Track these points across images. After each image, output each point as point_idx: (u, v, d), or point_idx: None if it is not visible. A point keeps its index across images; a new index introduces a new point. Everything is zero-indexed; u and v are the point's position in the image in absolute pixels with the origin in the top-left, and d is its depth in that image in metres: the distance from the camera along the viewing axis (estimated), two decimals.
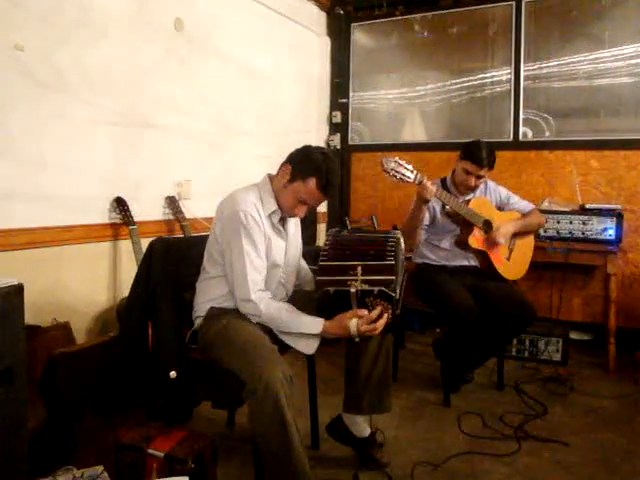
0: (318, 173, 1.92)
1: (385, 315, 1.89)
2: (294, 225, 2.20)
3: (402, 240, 2.11)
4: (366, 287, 1.86)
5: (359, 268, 1.87)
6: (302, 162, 1.96)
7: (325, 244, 2.01)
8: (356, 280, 1.86)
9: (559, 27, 3.96)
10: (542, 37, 4.00)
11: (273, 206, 2.01)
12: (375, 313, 1.87)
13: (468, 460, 2.27)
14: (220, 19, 3.52)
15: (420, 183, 2.56)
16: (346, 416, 2.22)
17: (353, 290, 1.86)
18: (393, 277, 1.89)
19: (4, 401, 1.60)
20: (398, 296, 1.91)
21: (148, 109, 3.04)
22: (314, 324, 1.90)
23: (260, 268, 1.95)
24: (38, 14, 2.43)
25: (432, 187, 2.58)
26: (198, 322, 2.05)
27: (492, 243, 2.84)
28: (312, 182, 1.93)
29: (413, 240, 2.86)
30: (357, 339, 1.91)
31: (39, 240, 2.48)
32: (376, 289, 1.86)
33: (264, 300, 1.92)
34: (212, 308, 2.02)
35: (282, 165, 2.02)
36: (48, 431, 2.05)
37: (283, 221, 2.11)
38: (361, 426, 2.20)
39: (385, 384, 2.17)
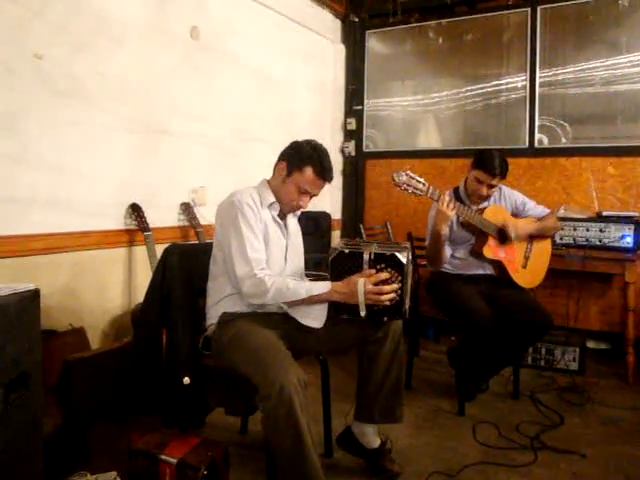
0: (312, 161, 2.01)
1: (394, 285, 1.90)
2: (295, 225, 2.24)
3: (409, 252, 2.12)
4: (380, 251, 1.92)
5: (374, 244, 1.99)
6: (294, 155, 2.04)
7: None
8: (370, 247, 1.95)
9: (575, 33, 3.93)
10: (558, 43, 3.97)
11: (271, 198, 2.07)
12: (383, 275, 1.90)
13: (483, 470, 2.24)
14: (235, 27, 3.55)
15: (438, 199, 2.56)
16: (355, 427, 2.20)
17: (366, 254, 1.91)
18: (406, 246, 2.01)
19: (20, 405, 1.61)
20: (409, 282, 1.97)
21: (164, 116, 3.07)
22: (323, 284, 1.92)
23: (260, 250, 1.96)
24: (57, 24, 2.47)
25: (451, 204, 2.57)
26: (211, 328, 2.05)
27: (507, 244, 2.81)
28: (309, 170, 2.01)
29: (440, 260, 2.85)
30: (363, 312, 1.90)
31: (56, 245, 2.50)
32: (388, 252, 1.91)
33: (268, 275, 1.92)
34: (224, 314, 2.02)
35: (276, 164, 2.10)
36: (63, 436, 2.06)
37: (284, 219, 2.15)
38: (371, 437, 2.19)
39: (397, 393, 2.16)
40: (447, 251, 2.88)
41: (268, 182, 2.13)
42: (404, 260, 1.91)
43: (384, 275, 1.90)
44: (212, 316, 2.07)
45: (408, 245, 2.10)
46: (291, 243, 2.16)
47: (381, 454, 2.18)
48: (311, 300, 1.92)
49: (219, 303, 2.05)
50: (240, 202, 1.97)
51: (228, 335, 1.94)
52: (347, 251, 1.94)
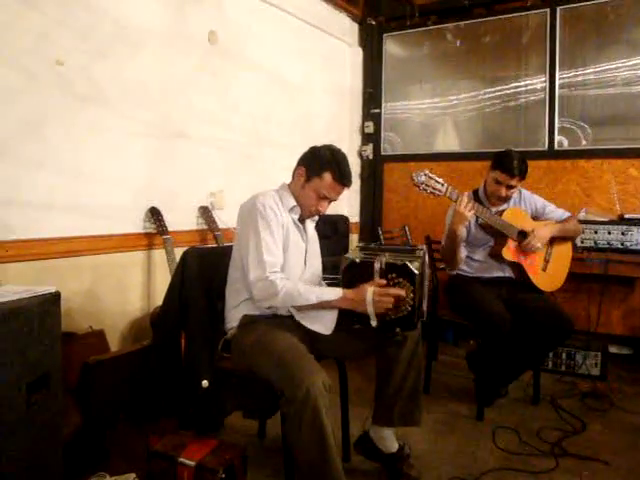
0: (330, 166, 2.01)
1: (403, 292, 1.88)
2: (312, 230, 2.25)
3: (427, 256, 2.12)
4: (390, 260, 1.90)
5: (387, 254, 1.97)
6: (313, 161, 2.05)
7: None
8: (381, 257, 1.93)
9: (595, 33, 3.88)
10: (577, 44, 3.92)
11: (292, 202, 2.07)
12: (392, 290, 1.88)
13: (503, 476, 2.21)
14: (253, 31, 3.57)
15: (457, 200, 2.54)
16: (373, 432, 2.19)
17: (377, 264, 1.90)
18: (420, 255, 1.98)
19: (40, 407, 1.63)
20: (420, 290, 1.94)
21: (182, 121, 3.09)
22: (334, 291, 1.92)
23: (277, 254, 1.96)
24: (78, 31, 2.50)
25: (470, 204, 2.55)
26: (231, 332, 2.05)
27: (528, 248, 2.78)
28: (328, 176, 2.01)
29: (455, 261, 2.84)
30: (374, 322, 1.89)
31: (76, 249, 2.54)
32: (400, 262, 1.90)
33: (280, 278, 1.91)
34: (245, 316, 2.02)
35: (295, 170, 2.11)
36: (82, 437, 2.08)
37: (303, 223, 2.16)
38: (388, 441, 2.17)
39: (416, 397, 2.14)
40: (463, 252, 2.87)
41: (288, 186, 2.13)
42: (416, 270, 1.89)
43: (393, 290, 1.88)
44: (232, 319, 2.07)
45: (424, 250, 2.08)
46: (310, 247, 2.16)
47: (400, 459, 2.16)
48: (321, 306, 1.91)
49: (239, 306, 2.05)
50: (263, 205, 1.98)
51: (250, 338, 1.94)
52: (358, 260, 1.94)
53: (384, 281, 1.89)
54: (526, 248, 2.77)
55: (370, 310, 1.86)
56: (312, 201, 2.06)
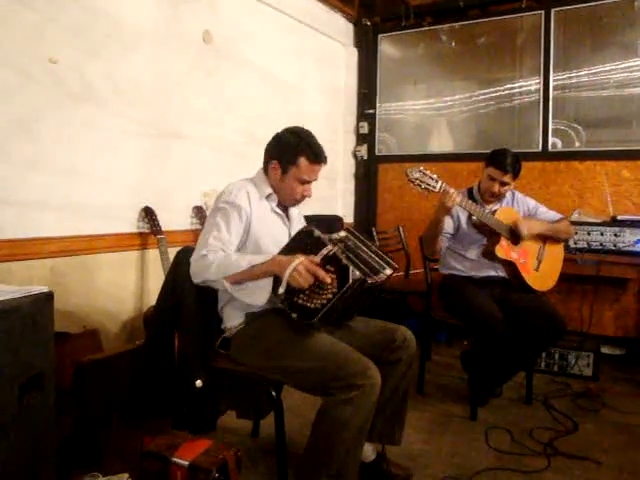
0: (303, 150, 1.98)
1: (328, 280, 1.75)
2: (296, 213, 2.22)
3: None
4: (341, 255, 1.78)
5: (339, 246, 1.83)
6: (283, 150, 2.01)
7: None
8: (339, 246, 1.81)
9: (589, 35, 3.90)
10: (572, 46, 3.95)
11: (268, 190, 2.05)
12: (321, 272, 1.74)
13: (495, 476, 2.22)
14: (248, 31, 3.56)
15: (444, 191, 2.55)
16: None
17: (326, 250, 1.79)
18: (379, 273, 1.83)
19: (33, 407, 1.62)
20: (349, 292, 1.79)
21: (176, 120, 3.08)
22: (266, 255, 1.86)
23: (225, 242, 1.91)
24: (71, 29, 2.49)
25: (457, 197, 2.56)
26: (232, 330, 2.02)
27: (518, 241, 2.80)
28: (303, 160, 1.98)
29: (433, 248, 2.86)
30: (282, 289, 1.77)
31: (69, 248, 2.53)
32: (344, 262, 1.76)
33: (213, 251, 1.88)
34: (249, 314, 1.99)
35: (267, 164, 2.07)
36: (75, 437, 2.08)
37: (285, 209, 2.13)
38: (367, 452, 2.15)
39: (399, 417, 2.14)
40: (444, 242, 2.89)
41: (265, 174, 2.09)
42: (351, 280, 1.75)
43: (319, 272, 1.75)
44: (229, 317, 2.05)
45: (391, 272, 1.91)
46: (294, 229, 2.10)
47: (382, 464, 2.15)
48: (253, 272, 1.82)
49: (230, 303, 2.03)
50: (229, 194, 1.97)
51: (274, 337, 1.91)
52: (315, 234, 1.84)
53: (318, 260, 1.78)
54: (513, 240, 2.80)
55: (286, 275, 1.75)
56: (295, 190, 2.03)
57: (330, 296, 1.77)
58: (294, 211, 2.20)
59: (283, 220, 2.11)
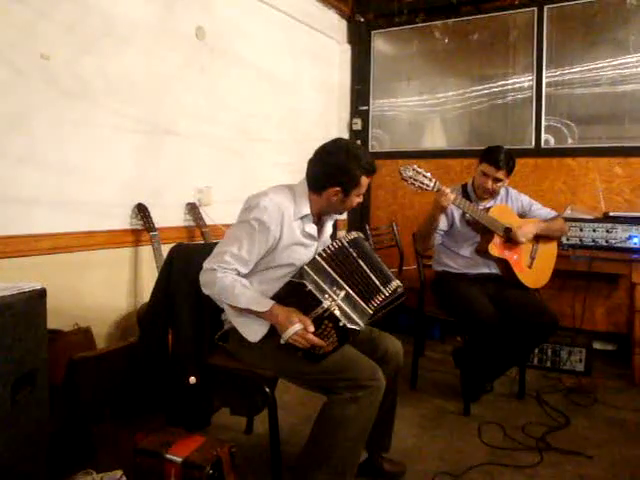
0: (361, 169, 1.91)
1: (324, 344, 1.79)
2: (330, 227, 2.16)
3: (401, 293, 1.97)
4: (337, 313, 1.76)
5: (343, 292, 1.82)
6: (345, 176, 1.90)
7: (338, 242, 1.91)
8: (334, 300, 1.79)
9: (582, 32, 3.91)
10: (564, 43, 3.96)
11: (306, 210, 1.95)
12: (316, 342, 1.77)
13: (488, 471, 2.24)
14: (241, 27, 3.55)
15: (438, 190, 2.56)
16: None
17: (325, 305, 1.76)
18: (362, 327, 1.83)
19: (26, 404, 1.62)
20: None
21: (169, 116, 3.07)
22: (264, 302, 1.82)
23: (242, 262, 1.88)
24: (64, 24, 2.48)
25: (451, 195, 2.58)
26: (230, 325, 2.02)
27: (513, 243, 2.81)
28: (364, 178, 1.94)
29: (426, 244, 2.88)
30: (283, 341, 1.78)
31: (62, 245, 2.52)
32: (342, 323, 1.76)
33: (225, 272, 1.86)
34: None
35: (319, 188, 1.94)
36: (68, 434, 2.07)
37: (320, 223, 2.07)
38: None
39: (386, 425, 2.15)
40: (436, 239, 2.90)
41: (310, 194, 1.97)
42: (351, 337, 1.81)
43: (316, 340, 1.76)
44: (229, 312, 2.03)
45: (397, 292, 1.92)
46: (322, 244, 2.05)
47: (375, 461, 2.17)
48: (250, 312, 1.84)
49: None
50: (264, 210, 1.86)
51: (276, 338, 1.87)
52: (307, 289, 1.77)
53: (312, 328, 1.76)
54: (509, 243, 2.81)
55: (284, 337, 1.77)
56: (355, 203, 2.00)
57: (331, 348, 1.81)
58: (329, 223, 2.13)
59: (312, 239, 2.01)
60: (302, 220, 1.95)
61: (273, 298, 1.86)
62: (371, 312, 1.85)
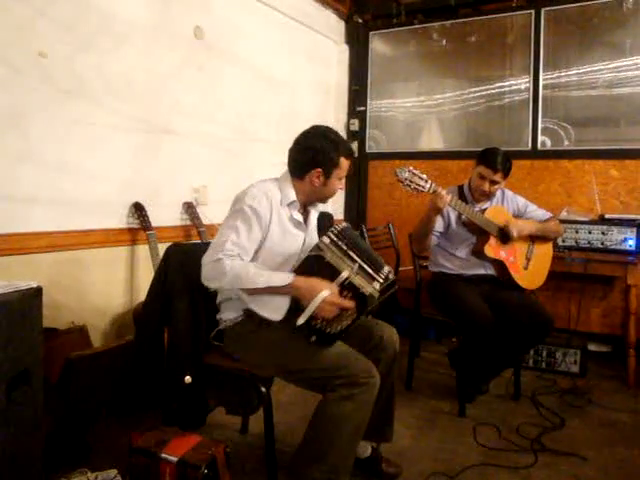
0: (340, 151, 2.00)
1: (349, 311, 1.85)
2: (315, 218, 2.18)
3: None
4: (356, 281, 1.83)
5: (356, 265, 1.86)
6: (324, 157, 1.98)
7: (338, 226, 1.93)
8: (352, 269, 1.84)
9: (579, 35, 3.93)
10: (561, 45, 3.97)
11: (292, 197, 2.01)
12: (347, 304, 1.82)
13: (483, 472, 2.24)
14: (239, 27, 3.55)
15: (434, 192, 2.56)
16: None
17: (345, 274, 1.82)
18: (378, 294, 1.88)
19: (21, 402, 1.62)
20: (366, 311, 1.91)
21: (167, 116, 3.07)
22: (283, 276, 1.82)
23: (243, 249, 1.88)
24: (61, 22, 2.47)
25: (447, 196, 2.58)
26: (227, 323, 2.02)
27: (509, 244, 2.82)
28: (343, 160, 2.01)
29: (423, 245, 2.89)
30: (302, 320, 1.79)
31: (58, 244, 2.51)
32: (362, 290, 1.84)
33: (231, 257, 1.85)
34: (247, 310, 1.97)
35: (301, 173, 2.01)
36: (63, 433, 2.07)
37: (306, 213, 2.11)
38: (361, 448, 2.17)
39: (387, 415, 2.15)
40: (433, 240, 2.89)
41: (293, 180, 2.04)
42: (369, 305, 1.87)
43: (347, 304, 1.82)
44: (228, 310, 2.04)
45: (393, 279, 1.96)
46: (308, 236, 2.09)
47: (375, 460, 2.18)
48: (270, 290, 1.83)
49: (231, 298, 2.01)
50: (253, 199, 1.92)
51: (274, 335, 1.90)
52: (327, 259, 1.82)
53: (337, 291, 1.82)
54: (503, 240, 2.82)
55: (311, 308, 1.78)
56: (336, 188, 2.06)
57: (349, 322, 1.87)
58: (314, 217, 2.16)
59: (300, 227, 2.06)
60: (289, 207, 2.01)
61: (294, 271, 1.87)
62: (382, 281, 1.89)
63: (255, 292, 1.86)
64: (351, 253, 1.87)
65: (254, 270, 1.83)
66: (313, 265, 1.84)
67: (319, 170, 1.99)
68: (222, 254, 1.83)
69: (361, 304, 1.86)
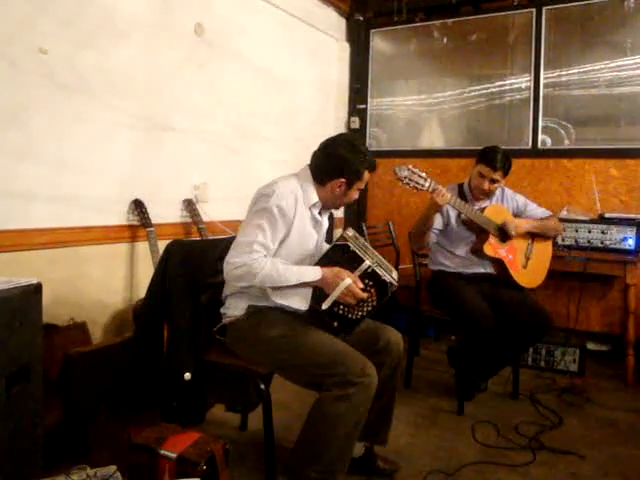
0: (364, 164, 2.02)
1: (369, 302, 1.94)
2: (327, 219, 2.21)
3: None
4: (378, 270, 1.93)
5: (376, 259, 1.97)
6: (350, 168, 1.99)
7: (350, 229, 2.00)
8: (372, 259, 1.93)
9: (580, 34, 3.93)
10: (562, 44, 3.97)
11: (315, 198, 2.03)
12: (366, 296, 1.91)
13: (481, 470, 2.25)
14: (240, 24, 3.55)
15: (434, 190, 2.56)
16: None
17: (368, 263, 1.91)
18: (396, 283, 1.98)
19: (20, 398, 1.62)
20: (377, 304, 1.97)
21: (167, 112, 3.07)
22: (313, 271, 1.89)
23: (267, 248, 1.90)
24: (62, 18, 2.47)
25: (446, 195, 2.58)
26: (230, 319, 2.03)
27: (508, 242, 2.82)
28: (366, 174, 2.05)
29: (421, 243, 2.91)
30: (326, 305, 1.89)
31: (58, 240, 2.51)
32: (383, 277, 1.93)
33: (260, 261, 1.86)
34: (251, 306, 2.00)
35: (324, 179, 2.02)
36: (63, 429, 2.07)
37: (321, 214, 2.13)
38: (356, 447, 2.13)
39: (385, 419, 2.16)
40: (432, 237, 2.91)
41: (315, 183, 2.04)
42: (390, 293, 1.95)
43: (366, 296, 1.91)
44: (233, 305, 2.04)
45: (395, 280, 2.04)
46: (320, 237, 2.13)
47: (370, 458, 2.18)
48: (295, 292, 1.90)
49: (236, 294, 2.03)
50: (279, 197, 1.91)
51: (273, 331, 1.92)
52: (352, 249, 1.91)
53: (360, 284, 1.89)
54: (502, 238, 2.82)
55: (335, 295, 1.87)
56: (352, 198, 2.10)
57: (370, 308, 1.96)
58: (325, 218, 2.19)
59: (318, 228, 2.10)
60: (311, 209, 2.04)
61: (317, 264, 1.94)
62: (396, 277, 2.00)
63: (281, 287, 1.90)
64: (370, 247, 2.01)
65: (282, 268, 1.87)
66: (338, 254, 1.93)
67: (342, 180, 2.01)
68: (249, 258, 1.85)
69: (381, 292, 1.94)
